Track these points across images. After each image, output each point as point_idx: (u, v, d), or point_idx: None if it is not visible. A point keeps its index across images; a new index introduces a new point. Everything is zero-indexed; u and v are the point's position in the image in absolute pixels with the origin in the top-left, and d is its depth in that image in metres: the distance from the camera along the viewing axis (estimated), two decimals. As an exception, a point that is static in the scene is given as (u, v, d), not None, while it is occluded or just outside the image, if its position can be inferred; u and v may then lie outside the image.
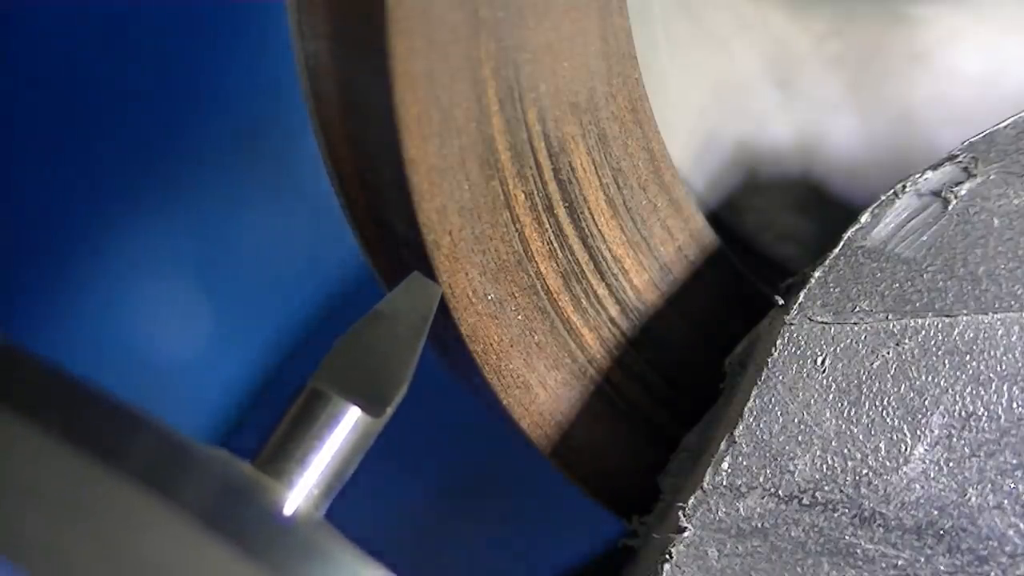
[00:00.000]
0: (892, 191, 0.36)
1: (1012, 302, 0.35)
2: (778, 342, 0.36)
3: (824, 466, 0.36)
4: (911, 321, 0.36)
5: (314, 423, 0.31)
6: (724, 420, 0.37)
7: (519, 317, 0.36)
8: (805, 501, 0.36)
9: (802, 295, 0.36)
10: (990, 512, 0.35)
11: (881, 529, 0.35)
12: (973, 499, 0.35)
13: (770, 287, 0.39)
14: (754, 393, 0.36)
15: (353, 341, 0.32)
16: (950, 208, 0.36)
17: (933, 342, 0.36)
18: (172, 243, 0.61)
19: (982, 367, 0.35)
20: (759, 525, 0.36)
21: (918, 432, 0.35)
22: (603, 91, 0.35)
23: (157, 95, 0.60)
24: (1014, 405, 0.35)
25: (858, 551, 0.35)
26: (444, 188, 0.33)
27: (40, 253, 0.59)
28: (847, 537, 0.35)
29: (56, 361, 0.27)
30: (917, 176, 0.36)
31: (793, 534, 0.36)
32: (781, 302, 0.37)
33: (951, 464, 0.35)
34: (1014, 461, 0.35)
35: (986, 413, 0.35)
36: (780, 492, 0.36)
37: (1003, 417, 0.35)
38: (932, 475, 0.35)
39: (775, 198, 0.47)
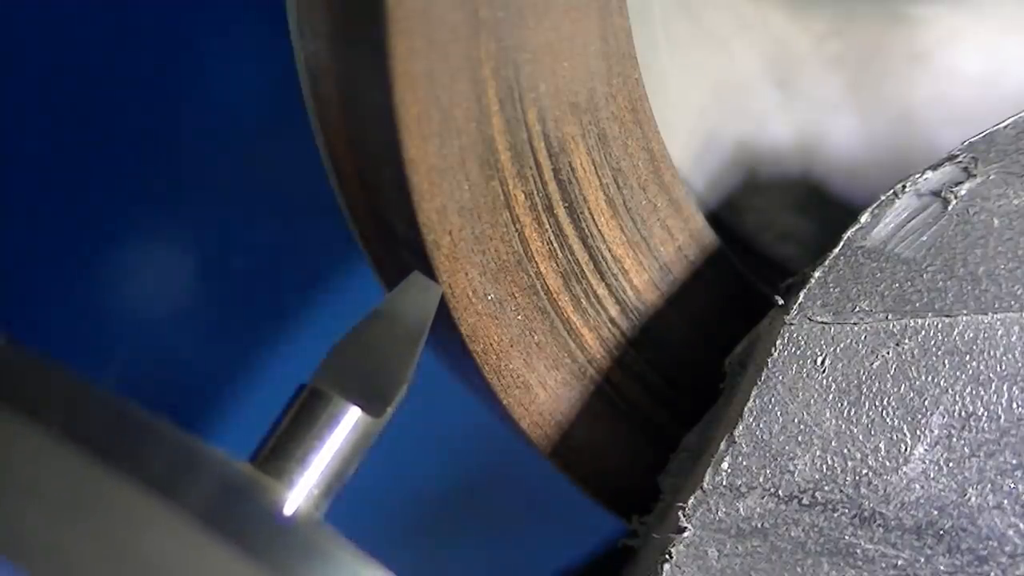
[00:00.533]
0: (892, 191, 0.36)
1: (1012, 302, 0.35)
2: (778, 342, 0.36)
3: (824, 466, 0.36)
4: (911, 321, 0.36)
5: (314, 423, 0.31)
6: (724, 420, 0.37)
7: (519, 317, 0.36)
8: (805, 501, 0.36)
9: (802, 295, 0.36)
10: (990, 512, 0.35)
11: (881, 529, 0.35)
12: (973, 499, 0.35)
13: (770, 287, 0.39)
14: (754, 393, 0.36)
15: (353, 341, 0.32)
16: (950, 208, 0.36)
17: (933, 342, 0.36)
18: (172, 242, 0.61)
19: (982, 367, 0.35)
20: (759, 525, 0.36)
21: (918, 432, 0.35)
22: (603, 91, 0.35)
23: (156, 95, 0.60)
24: (1014, 405, 0.35)
25: (858, 551, 0.35)
26: (444, 188, 0.33)
27: (39, 252, 0.59)
28: (847, 537, 0.35)
29: (56, 360, 0.27)
30: (917, 176, 0.36)
31: (793, 534, 0.36)
32: (781, 302, 0.37)
33: (951, 464, 0.35)
34: (1014, 461, 0.35)
35: (986, 413, 0.35)
36: (780, 492, 0.36)
37: (1003, 417, 0.35)
38: (932, 475, 0.35)
39: (775, 198, 0.47)
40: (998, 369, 0.35)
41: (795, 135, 0.48)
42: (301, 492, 0.30)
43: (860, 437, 0.35)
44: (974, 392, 0.35)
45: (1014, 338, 0.35)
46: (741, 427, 0.36)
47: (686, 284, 0.39)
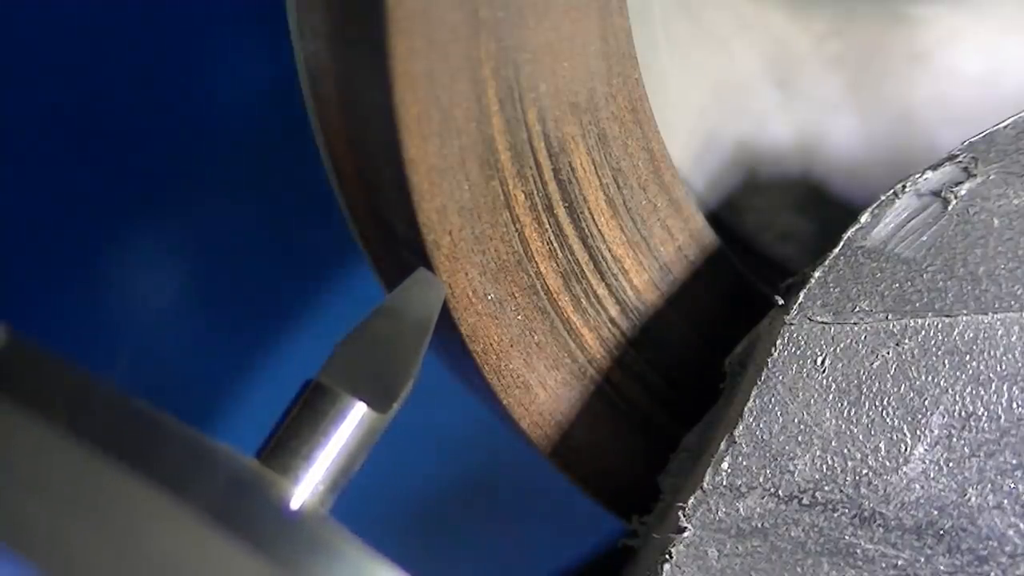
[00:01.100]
0: (892, 191, 0.36)
1: (1012, 302, 0.35)
2: (778, 342, 0.36)
3: (824, 466, 0.36)
4: (911, 321, 0.36)
5: (320, 419, 0.31)
6: (724, 420, 0.37)
7: (519, 317, 0.36)
8: (805, 501, 0.36)
9: (802, 295, 0.36)
10: (990, 512, 0.35)
11: (881, 529, 0.35)
12: (973, 499, 0.35)
13: (770, 287, 0.38)
14: (754, 393, 0.36)
15: (359, 337, 0.32)
16: (950, 208, 0.36)
17: (933, 342, 0.36)
18: (172, 242, 0.61)
19: (982, 367, 0.35)
20: (759, 525, 0.36)
21: (918, 432, 0.35)
22: (603, 91, 0.35)
23: (156, 95, 0.60)
24: (1014, 405, 0.35)
25: (858, 551, 0.35)
26: (444, 188, 0.33)
27: (40, 252, 0.59)
28: (847, 537, 0.35)
29: (61, 355, 0.28)
30: (917, 176, 0.36)
31: (793, 534, 0.36)
32: (781, 302, 0.37)
33: (951, 464, 0.35)
34: (1014, 461, 0.35)
35: (986, 413, 0.35)
36: (780, 492, 0.36)
37: (1003, 417, 0.35)
38: (932, 475, 0.35)
39: (775, 198, 0.47)
40: (998, 369, 0.35)
41: (795, 135, 0.48)
42: (307, 488, 0.31)
43: (860, 437, 0.35)
44: (974, 392, 0.35)
45: (1014, 338, 0.35)
46: (741, 427, 0.36)
47: (686, 284, 0.39)
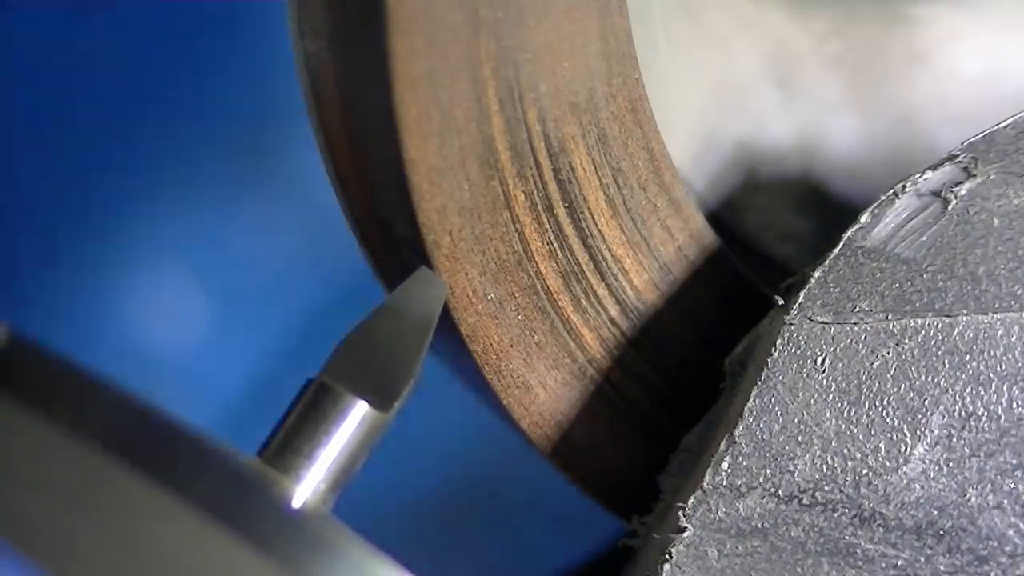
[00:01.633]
0: (892, 191, 0.36)
1: (1012, 302, 0.35)
2: (778, 342, 0.36)
3: (824, 466, 0.36)
4: (911, 321, 0.36)
5: (322, 418, 0.31)
6: (724, 420, 0.37)
7: (519, 317, 0.36)
8: (805, 501, 0.36)
9: (802, 295, 0.36)
10: (990, 512, 0.35)
11: (881, 529, 0.35)
12: (973, 499, 0.35)
13: (770, 287, 0.39)
14: (754, 393, 0.36)
15: (361, 336, 0.32)
16: (950, 208, 0.36)
17: (933, 342, 0.36)
18: (173, 242, 0.61)
19: (982, 367, 0.35)
20: (759, 525, 0.36)
21: (918, 432, 0.35)
22: (603, 91, 0.35)
23: (157, 95, 0.60)
24: (1014, 405, 0.35)
25: (858, 551, 0.35)
26: (444, 188, 0.33)
27: (42, 253, 0.59)
28: (847, 537, 0.35)
29: (63, 354, 0.28)
30: (917, 176, 0.36)
31: (793, 534, 0.36)
32: (781, 302, 0.37)
33: (951, 464, 0.35)
34: (1014, 461, 0.35)
35: (986, 413, 0.35)
36: (780, 492, 0.36)
37: (1003, 417, 0.35)
38: (932, 475, 0.35)
39: (775, 198, 0.47)
40: (998, 369, 0.35)
41: (795, 135, 0.48)
42: (309, 487, 0.31)
43: (860, 437, 0.35)
44: (974, 392, 0.35)
45: (1014, 338, 0.35)
46: (741, 427, 0.36)
47: (686, 284, 0.39)
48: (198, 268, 0.61)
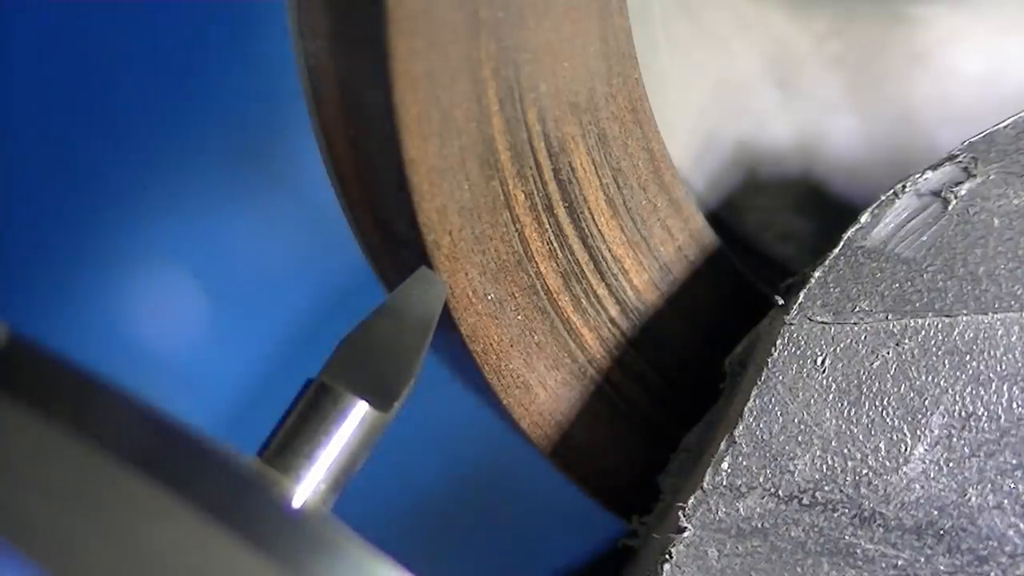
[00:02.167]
0: (892, 191, 0.36)
1: (1012, 302, 0.35)
2: (778, 342, 0.36)
3: (824, 466, 0.36)
4: (911, 321, 0.36)
5: (322, 418, 0.31)
6: (724, 420, 0.37)
7: (519, 317, 0.36)
8: (805, 501, 0.36)
9: (802, 295, 0.36)
10: (990, 512, 0.35)
11: (881, 529, 0.35)
12: (973, 499, 0.35)
13: (770, 287, 0.39)
14: (754, 393, 0.36)
15: (361, 336, 0.32)
16: (950, 208, 0.36)
17: (933, 342, 0.36)
18: (173, 243, 0.61)
19: (982, 367, 0.35)
20: (759, 525, 0.36)
21: (918, 432, 0.35)
22: (603, 91, 0.35)
23: (157, 95, 0.60)
24: (1014, 405, 0.35)
25: (858, 551, 0.35)
26: (444, 188, 0.33)
27: (41, 253, 0.59)
28: (847, 537, 0.35)
29: (63, 354, 0.28)
30: (917, 176, 0.36)
31: (793, 534, 0.36)
32: (781, 302, 0.37)
33: (951, 464, 0.35)
34: (1014, 461, 0.35)
35: (986, 413, 0.35)
36: (780, 492, 0.36)
37: (1003, 417, 0.35)
38: (932, 475, 0.35)
39: (775, 198, 0.47)
40: (998, 369, 0.35)
41: (795, 135, 0.48)
42: (309, 487, 0.31)
43: (860, 437, 0.35)
44: (974, 392, 0.35)
45: (1014, 338, 0.35)
46: (741, 427, 0.36)
47: (686, 284, 0.39)
48: (198, 268, 0.61)
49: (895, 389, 0.36)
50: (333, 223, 0.39)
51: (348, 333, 0.32)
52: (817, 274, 0.36)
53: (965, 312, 0.35)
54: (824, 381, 0.36)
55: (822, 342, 0.36)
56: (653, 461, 0.39)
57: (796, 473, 0.36)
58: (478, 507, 0.61)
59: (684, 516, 0.36)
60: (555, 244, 0.36)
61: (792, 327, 0.36)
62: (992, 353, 0.35)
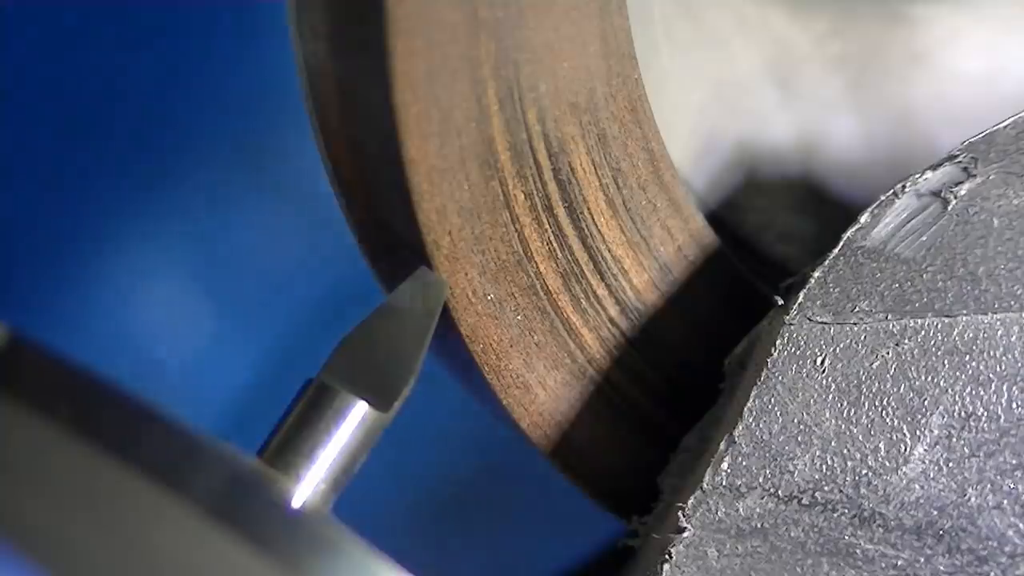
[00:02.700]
0: (892, 191, 0.36)
1: (1012, 302, 0.35)
2: (778, 342, 0.36)
3: (824, 466, 0.36)
4: (911, 321, 0.36)
5: (322, 418, 0.31)
6: (724, 420, 0.37)
7: (519, 317, 0.36)
8: (805, 501, 0.36)
9: (802, 295, 0.36)
10: (990, 512, 0.35)
11: (881, 529, 0.35)
12: (973, 499, 0.35)
13: (770, 287, 0.39)
14: (754, 393, 0.36)
15: (361, 336, 0.32)
16: (950, 208, 0.36)
17: (933, 342, 0.36)
18: (174, 243, 0.61)
19: (982, 367, 0.35)
20: (759, 525, 0.36)
21: (918, 432, 0.35)
22: (603, 91, 0.35)
23: (157, 96, 0.60)
24: (1014, 405, 0.35)
25: (858, 551, 0.35)
26: (444, 188, 0.33)
27: (42, 253, 0.59)
28: (847, 537, 0.35)
29: (63, 353, 0.28)
30: (917, 176, 0.36)
31: (793, 534, 0.36)
32: (781, 302, 0.37)
33: (951, 464, 0.35)
34: (1014, 461, 0.35)
35: (986, 413, 0.35)
36: (780, 492, 0.36)
37: (1003, 417, 0.35)
38: (932, 475, 0.35)
39: (775, 198, 0.47)
40: (998, 369, 0.35)
41: (795, 135, 0.48)
42: (308, 486, 0.31)
43: (860, 437, 0.35)
44: (974, 392, 0.35)
45: (1014, 338, 0.35)
46: (741, 427, 0.36)
47: (686, 284, 0.39)
48: (198, 268, 0.61)
49: (895, 389, 0.36)
50: (333, 223, 0.39)
51: (348, 333, 0.33)
52: (817, 274, 0.36)
53: (965, 312, 0.35)
54: (824, 381, 0.36)
55: (822, 342, 0.36)
56: (653, 461, 0.39)
57: (796, 473, 0.36)
58: (478, 507, 0.61)
59: (684, 516, 0.36)
60: (555, 244, 0.36)
61: (792, 327, 0.36)
62: (992, 353, 0.35)
